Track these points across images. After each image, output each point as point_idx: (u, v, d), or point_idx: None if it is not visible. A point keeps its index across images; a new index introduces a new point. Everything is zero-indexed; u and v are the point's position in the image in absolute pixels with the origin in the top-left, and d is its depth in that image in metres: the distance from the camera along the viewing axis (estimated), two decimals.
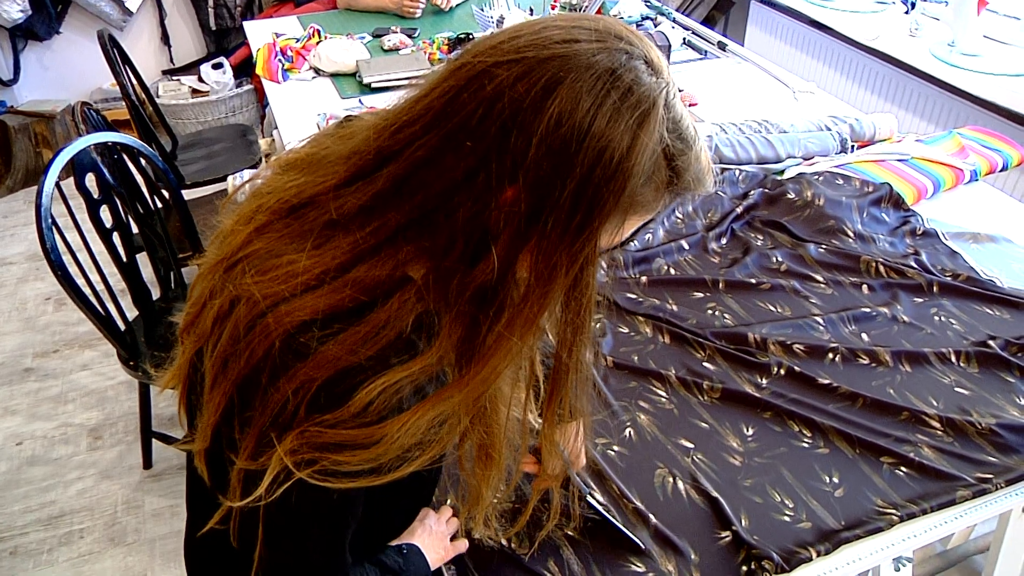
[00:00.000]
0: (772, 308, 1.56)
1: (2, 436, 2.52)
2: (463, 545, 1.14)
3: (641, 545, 1.09)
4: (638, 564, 1.10)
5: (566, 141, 0.65)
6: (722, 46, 2.86)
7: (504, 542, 1.12)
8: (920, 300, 1.58)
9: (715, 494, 1.19)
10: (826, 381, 1.37)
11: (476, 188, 0.67)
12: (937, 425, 1.29)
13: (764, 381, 1.39)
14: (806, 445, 1.27)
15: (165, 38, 4.24)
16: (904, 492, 1.19)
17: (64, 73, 4.15)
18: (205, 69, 4.06)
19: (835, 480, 1.21)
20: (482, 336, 0.70)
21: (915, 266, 1.65)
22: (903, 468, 1.22)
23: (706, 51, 2.85)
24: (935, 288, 1.60)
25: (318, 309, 0.69)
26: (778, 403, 1.33)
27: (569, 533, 1.13)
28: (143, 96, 2.92)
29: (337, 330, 0.70)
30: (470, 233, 0.68)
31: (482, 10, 2.90)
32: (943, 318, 1.53)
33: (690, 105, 2.39)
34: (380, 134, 0.72)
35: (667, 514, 1.16)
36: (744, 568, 1.08)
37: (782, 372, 1.40)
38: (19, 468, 2.40)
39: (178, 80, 4.16)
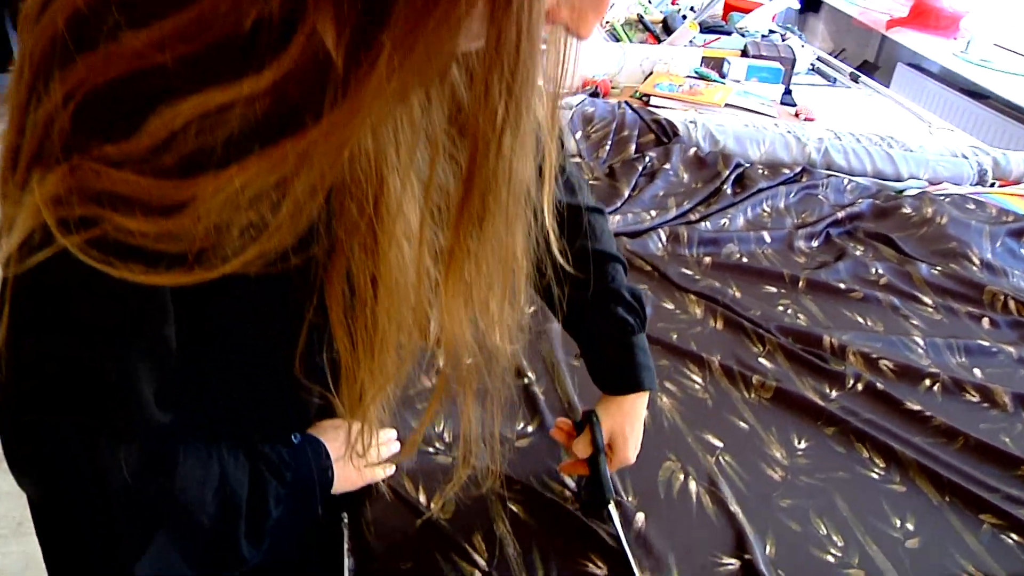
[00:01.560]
0: (860, 320, 1.23)
1: None
2: (388, 470, 0.86)
3: None
4: (598, 564, 0.78)
5: None
6: (854, 78, 2.54)
7: (422, 499, 0.84)
8: None
9: (735, 507, 0.87)
10: (916, 408, 1.03)
11: None
12: None
13: (833, 393, 1.06)
14: (876, 476, 0.94)
15: None
16: (1009, 564, 0.84)
17: None
18: None
19: (909, 527, 0.87)
20: (347, 45, 0.43)
21: None
22: (1012, 535, 0.87)
23: (835, 79, 2.54)
24: None
25: None
26: (847, 419, 1.00)
27: (514, 508, 0.83)
28: None
29: (143, 13, 0.44)
30: None
31: None
32: None
33: (806, 119, 2.08)
34: None
35: (662, 517, 0.85)
36: None
37: (859, 387, 1.07)
38: None
39: None
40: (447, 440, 0.92)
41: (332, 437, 0.79)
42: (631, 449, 0.85)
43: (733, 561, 0.81)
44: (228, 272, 0.47)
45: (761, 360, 1.11)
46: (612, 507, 0.82)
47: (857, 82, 2.52)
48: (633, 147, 1.72)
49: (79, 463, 0.56)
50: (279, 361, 0.59)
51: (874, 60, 4.03)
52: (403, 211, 0.50)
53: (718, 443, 0.96)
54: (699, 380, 1.06)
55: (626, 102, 1.88)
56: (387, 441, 0.89)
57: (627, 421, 0.85)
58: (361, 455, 0.66)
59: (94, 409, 0.55)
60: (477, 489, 0.75)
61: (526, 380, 1.02)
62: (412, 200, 0.50)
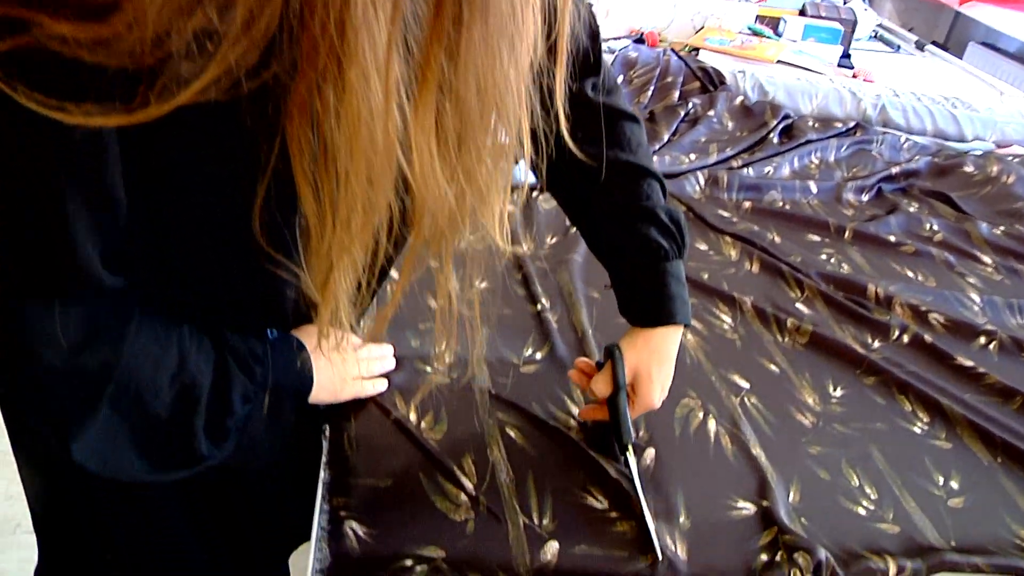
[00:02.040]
0: (910, 274, 1.13)
1: None
2: (379, 386, 0.79)
3: (658, 550, 0.66)
4: (599, 498, 0.71)
5: None
6: (920, 46, 2.40)
7: (412, 417, 0.77)
8: None
9: (758, 451, 0.78)
10: (969, 363, 0.93)
11: None
12: None
13: (876, 343, 0.96)
14: (918, 431, 0.84)
15: None
16: None
17: None
18: None
19: (953, 485, 0.78)
20: None
21: None
22: None
23: (899, 46, 2.40)
24: None
25: None
26: (890, 369, 0.90)
27: (511, 434, 0.76)
28: None
29: None
30: None
31: None
32: None
33: (865, 80, 1.96)
34: None
35: (675, 455, 0.77)
36: (762, 557, 0.67)
37: (905, 339, 0.97)
38: None
39: None
40: (447, 359, 0.85)
41: (308, 337, 0.73)
42: (656, 392, 0.75)
43: (749, 506, 0.72)
44: (187, 102, 0.40)
45: (798, 305, 1.02)
46: (630, 453, 0.73)
47: (923, 50, 2.38)
48: (677, 94, 1.63)
49: (11, 325, 0.50)
50: (242, 226, 0.52)
51: (943, 40, 3.83)
52: (370, 32, 0.42)
53: (744, 384, 0.87)
54: (728, 320, 0.97)
55: (671, 49, 1.78)
56: (382, 356, 0.83)
57: (654, 358, 0.76)
58: (330, 343, 0.59)
59: (28, 263, 0.49)
60: (450, 374, 0.67)
61: (539, 307, 0.94)
62: (382, 21, 0.43)
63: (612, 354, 0.76)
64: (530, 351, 0.88)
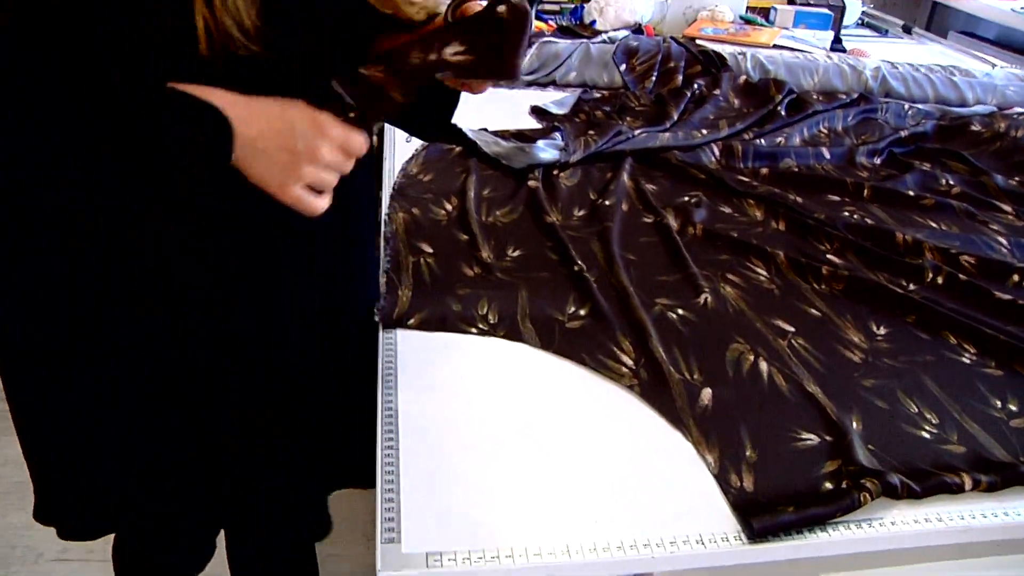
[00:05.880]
0: (934, 225, 1.14)
1: None
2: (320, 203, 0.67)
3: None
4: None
5: None
6: (907, 29, 2.44)
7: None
8: None
9: (813, 387, 0.78)
10: (1008, 297, 0.94)
11: None
12: None
13: (912, 285, 0.97)
14: (967, 361, 0.84)
15: None
16: None
17: None
18: None
19: (1012, 407, 0.78)
20: None
21: None
22: None
23: (887, 30, 2.44)
24: None
25: None
26: (930, 306, 0.91)
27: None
28: None
29: None
30: None
31: None
32: None
33: (861, 57, 1.98)
34: None
35: (731, 394, 0.76)
36: (827, 485, 0.67)
37: (939, 280, 0.97)
38: None
39: None
40: (491, 321, 0.85)
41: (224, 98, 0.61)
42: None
43: (812, 437, 0.72)
44: None
45: (829, 256, 1.02)
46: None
47: (910, 33, 2.42)
48: (680, 78, 1.64)
49: None
50: None
51: (924, 29, 3.89)
52: None
53: (789, 327, 0.87)
54: (764, 272, 0.97)
55: (671, 36, 1.80)
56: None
57: None
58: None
59: None
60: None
61: (576, 268, 0.94)
62: None
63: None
64: (573, 308, 0.88)
